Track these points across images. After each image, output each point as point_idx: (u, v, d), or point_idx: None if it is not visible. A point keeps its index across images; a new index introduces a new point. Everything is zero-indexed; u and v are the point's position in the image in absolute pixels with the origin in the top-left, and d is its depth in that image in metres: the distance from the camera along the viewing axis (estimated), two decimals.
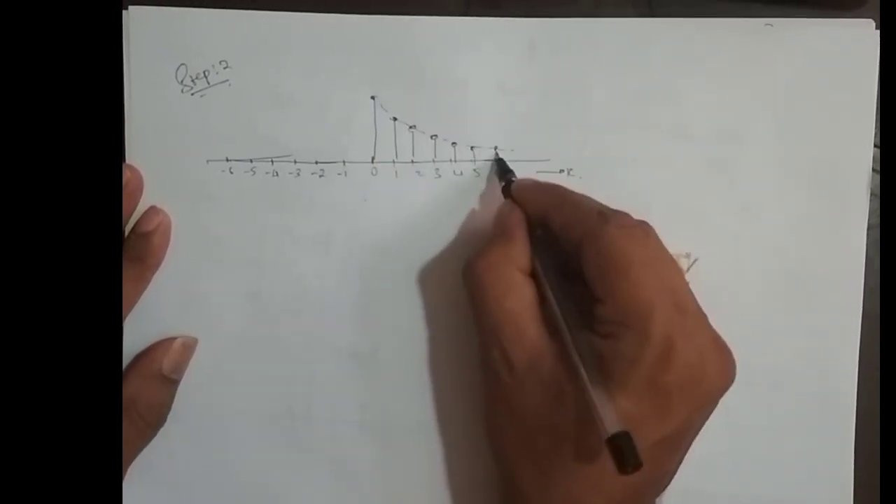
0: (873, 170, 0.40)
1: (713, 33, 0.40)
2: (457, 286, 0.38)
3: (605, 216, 0.34)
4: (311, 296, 0.40)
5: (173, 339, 0.39)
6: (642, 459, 0.29)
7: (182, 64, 0.39)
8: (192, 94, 0.39)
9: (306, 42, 0.39)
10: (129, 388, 0.38)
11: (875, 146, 0.40)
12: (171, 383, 0.39)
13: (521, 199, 0.37)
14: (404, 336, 0.40)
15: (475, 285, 0.35)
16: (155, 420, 0.39)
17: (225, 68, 0.39)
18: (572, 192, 0.37)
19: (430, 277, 0.40)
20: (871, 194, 0.40)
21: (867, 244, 0.40)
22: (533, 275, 0.36)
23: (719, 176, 0.40)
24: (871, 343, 0.40)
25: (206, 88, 0.39)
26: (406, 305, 0.40)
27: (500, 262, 0.35)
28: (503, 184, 0.39)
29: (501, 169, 0.39)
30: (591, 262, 0.33)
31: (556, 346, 0.34)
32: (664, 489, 0.35)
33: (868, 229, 0.40)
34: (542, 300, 0.35)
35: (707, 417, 0.34)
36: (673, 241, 0.38)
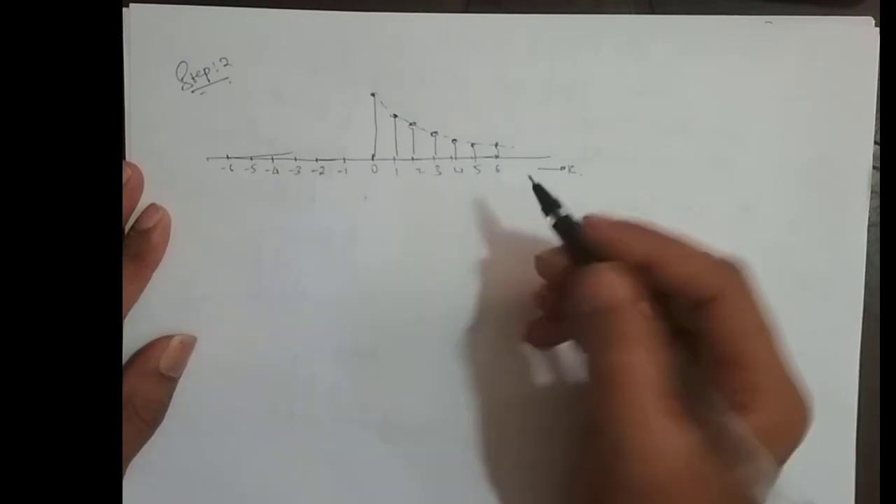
0: (873, 167, 0.40)
1: (713, 31, 0.40)
2: (457, 285, 0.39)
3: (729, 269, 0.32)
4: (311, 294, 0.40)
5: (171, 336, 0.39)
6: None
7: (182, 61, 0.39)
8: (193, 92, 0.39)
9: (306, 39, 0.39)
10: (127, 386, 0.38)
11: (875, 143, 0.40)
12: (168, 381, 0.39)
13: (603, 244, 0.33)
14: (405, 335, 0.40)
15: (617, 383, 0.30)
16: (152, 418, 0.39)
17: (225, 66, 0.39)
18: (673, 236, 0.33)
19: (431, 275, 0.40)
20: (872, 192, 0.40)
21: (868, 242, 0.40)
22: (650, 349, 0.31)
23: (719, 174, 0.40)
24: (872, 342, 0.40)
25: (206, 86, 0.39)
26: (406, 304, 0.40)
27: (631, 355, 0.30)
28: (553, 220, 0.34)
29: (545, 201, 0.34)
30: (726, 323, 0.31)
31: (689, 437, 0.30)
32: None
33: (868, 227, 0.40)
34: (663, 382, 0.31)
35: None
36: None
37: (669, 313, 0.32)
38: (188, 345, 0.39)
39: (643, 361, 0.30)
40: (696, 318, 0.31)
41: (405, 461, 0.40)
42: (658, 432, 0.29)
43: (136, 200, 0.39)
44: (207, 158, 0.39)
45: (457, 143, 0.39)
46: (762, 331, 0.31)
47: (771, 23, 0.40)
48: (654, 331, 0.31)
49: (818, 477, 0.40)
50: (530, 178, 0.35)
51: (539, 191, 0.34)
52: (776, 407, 0.30)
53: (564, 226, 0.34)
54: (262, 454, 0.40)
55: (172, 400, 0.40)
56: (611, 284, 0.31)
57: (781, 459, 0.31)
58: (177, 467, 0.40)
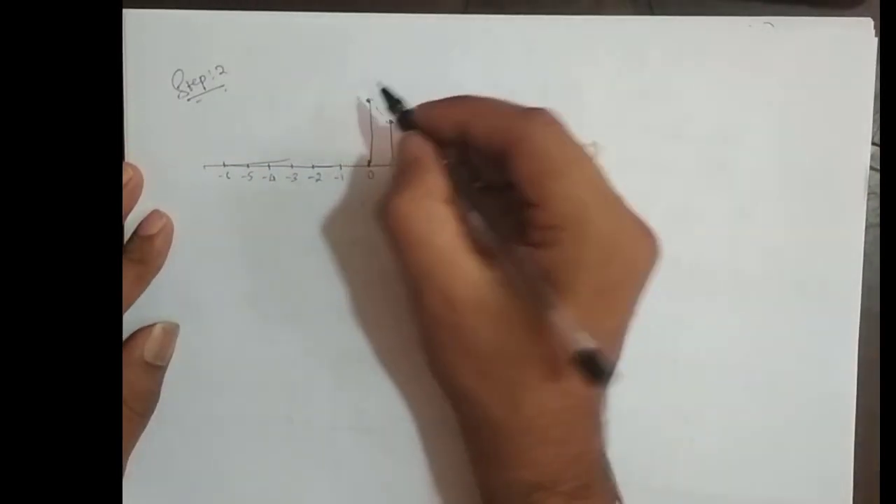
0: (872, 168, 0.40)
1: (712, 32, 0.40)
2: None
3: (528, 115, 0.33)
4: (308, 300, 0.40)
5: (153, 325, 0.39)
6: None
7: (178, 69, 0.39)
8: (189, 100, 0.39)
9: (302, 45, 0.39)
10: None
11: (874, 144, 0.40)
12: (155, 370, 0.39)
13: (429, 124, 0.35)
14: (402, 340, 0.40)
15: (398, 228, 0.33)
16: (143, 408, 0.39)
17: (221, 73, 0.39)
18: (483, 99, 0.35)
19: None
20: (871, 193, 0.40)
21: (867, 243, 0.40)
22: (452, 201, 0.34)
23: (717, 177, 0.40)
24: (872, 342, 0.40)
25: (202, 94, 0.39)
26: (405, 310, 0.40)
27: (420, 197, 0.33)
28: (397, 115, 0.36)
29: (390, 101, 0.37)
30: (524, 166, 0.32)
31: (494, 272, 0.33)
32: None
33: (868, 228, 0.40)
34: (466, 226, 0.34)
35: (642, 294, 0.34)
36: (670, 242, 0.38)
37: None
38: (170, 332, 0.40)
39: (441, 207, 0.33)
40: (507, 169, 0.33)
41: (403, 465, 0.40)
42: (458, 266, 0.33)
43: (136, 200, 0.39)
44: (204, 166, 0.39)
45: None
46: (566, 168, 0.32)
47: (771, 24, 0.40)
48: (456, 183, 0.34)
49: (817, 477, 0.40)
50: (379, 84, 0.37)
51: (385, 93, 0.36)
52: (577, 241, 0.32)
53: (405, 121, 0.36)
54: (259, 460, 0.40)
55: (171, 405, 0.40)
56: (416, 143, 0.35)
57: (608, 293, 0.33)
58: (174, 473, 0.40)
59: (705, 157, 0.40)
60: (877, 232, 0.40)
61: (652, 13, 0.40)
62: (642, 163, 0.40)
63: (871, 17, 0.40)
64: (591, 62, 0.40)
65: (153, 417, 0.40)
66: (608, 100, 0.40)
